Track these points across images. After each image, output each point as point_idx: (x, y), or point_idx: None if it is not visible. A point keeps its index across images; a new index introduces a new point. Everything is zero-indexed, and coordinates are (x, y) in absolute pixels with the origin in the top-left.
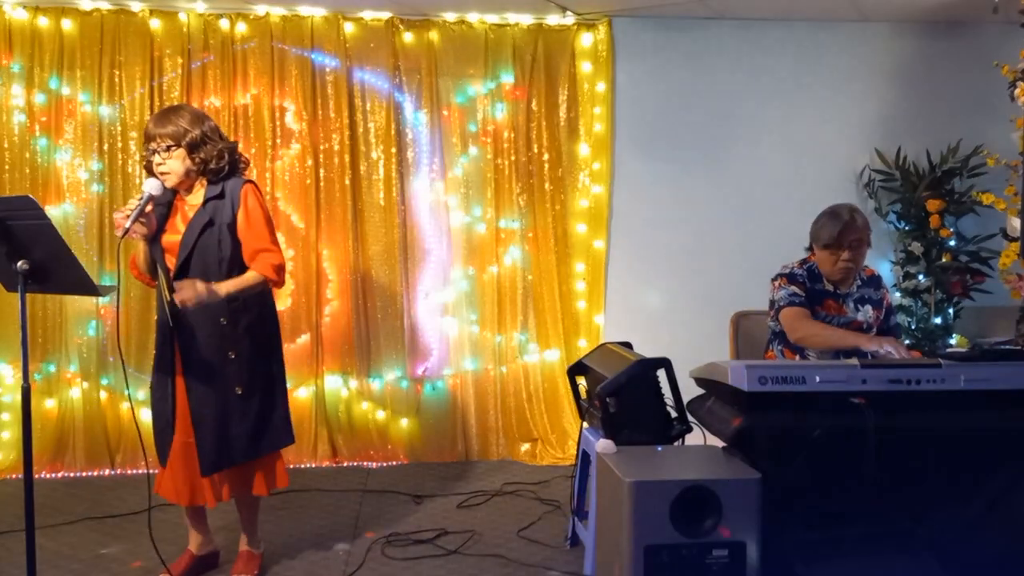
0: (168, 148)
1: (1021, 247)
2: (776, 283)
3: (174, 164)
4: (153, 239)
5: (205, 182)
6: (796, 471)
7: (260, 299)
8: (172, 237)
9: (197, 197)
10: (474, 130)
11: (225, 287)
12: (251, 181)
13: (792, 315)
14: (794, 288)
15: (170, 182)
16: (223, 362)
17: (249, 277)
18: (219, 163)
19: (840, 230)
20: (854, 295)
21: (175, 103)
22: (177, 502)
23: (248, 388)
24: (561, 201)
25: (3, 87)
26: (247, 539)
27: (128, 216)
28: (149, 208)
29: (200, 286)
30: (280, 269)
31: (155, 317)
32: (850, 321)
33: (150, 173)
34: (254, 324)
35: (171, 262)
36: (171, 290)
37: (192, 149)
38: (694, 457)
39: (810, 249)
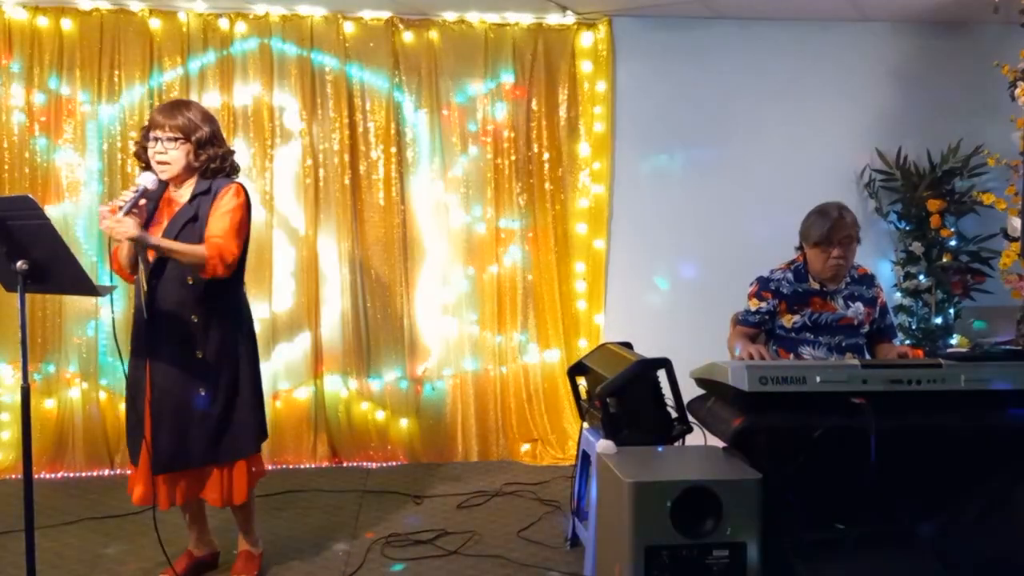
0: (175, 139)
1: (1022, 247)
2: (750, 289)
3: (176, 155)
4: None
5: (195, 179)
6: (796, 471)
7: (234, 302)
8: (156, 231)
9: (185, 193)
10: (474, 130)
11: (162, 240)
12: (239, 182)
13: (732, 333)
14: (756, 303)
15: (167, 173)
16: (190, 361)
17: (192, 247)
18: (221, 165)
19: (830, 227)
20: (843, 292)
21: None
22: (137, 502)
23: (212, 390)
24: (561, 201)
25: (3, 87)
26: (245, 539)
27: (120, 208)
28: (143, 202)
29: (131, 222)
30: (223, 256)
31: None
32: (840, 317)
33: (140, 161)
34: (226, 326)
35: (152, 256)
36: (151, 285)
37: (200, 146)
38: (694, 457)
39: (800, 248)
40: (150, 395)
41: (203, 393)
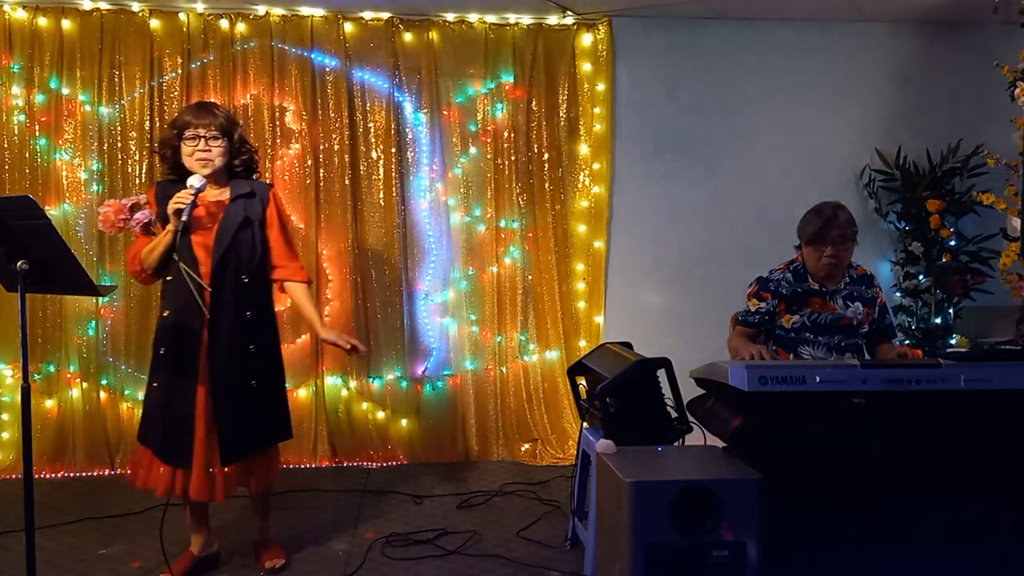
0: (217, 137)
1: (1021, 247)
2: (750, 289)
3: (218, 152)
4: (181, 233)
5: (226, 179)
6: (796, 471)
7: (271, 296)
8: (205, 233)
9: (220, 193)
10: (474, 130)
11: (321, 327)
12: (271, 184)
13: (732, 333)
14: (756, 303)
15: (209, 170)
16: (245, 355)
17: (311, 302)
18: (253, 164)
19: (822, 225)
20: (842, 292)
21: (176, 103)
22: (198, 498)
23: (262, 381)
24: (561, 201)
25: (3, 87)
26: (267, 528)
27: (179, 211)
28: (199, 202)
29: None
30: (306, 271)
31: (161, 314)
32: (839, 317)
33: (165, 163)
34: (268, 319)
35: (201, 255)
36: (200, 282)
37: (240, 144)
38: (694, 457)
39: (799, 248)
40: (210, 393)
41: (255, 384)
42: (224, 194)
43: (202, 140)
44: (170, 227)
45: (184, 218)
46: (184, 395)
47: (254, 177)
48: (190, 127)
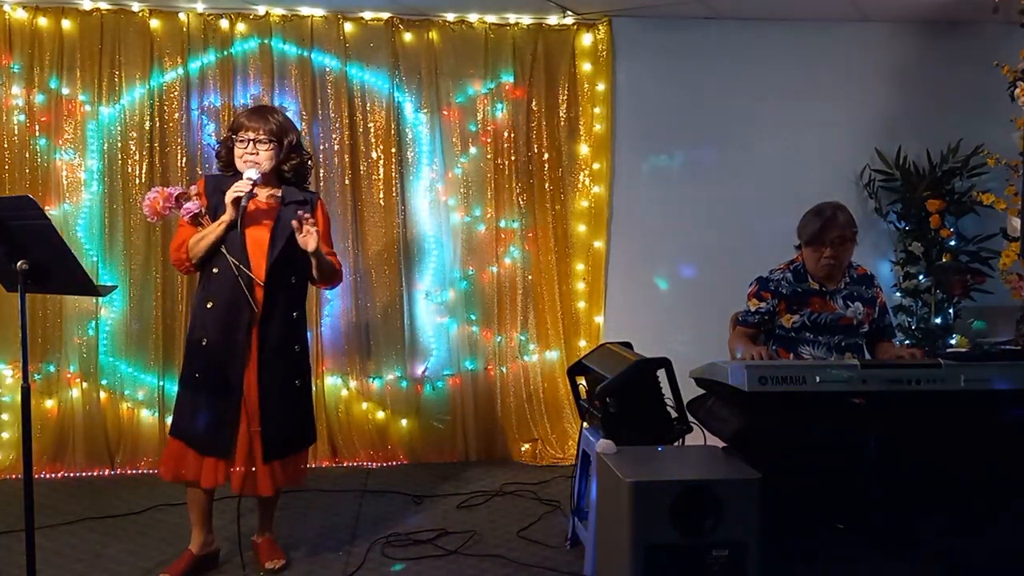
0: (268, 142)
1: (1021, 247)
2: (750, 289)
3: (266, 156)
4: (232, 227)
5: (277, 182)
6: (796, 471)
7: (304, 300)
8: (257, 229)
9: (272, 194)
10: (474, 130)
11: (321, 255)
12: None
13: (732, 333)
14: (756, 303)
15: (257, 173)
16: (290, 354)
17: (333, 260)
18: (305, 171)
19: (821, 226)
20: (842, 292)
21: (176, 103)
22: (241, 492)
23: (303, 381)
24: (561, 201)
25: (3, 87)
26: (269, 527)
27: (238, 200)
28: (256, 192)
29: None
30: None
31: (204, 305)
32: (839, 317)
33: (220, 160)
34: (306, 323)
35: (252, 251)
36: (250, 279)
37: (291, 150)
38: (694, 457)
39: (799, 248)
40: (258, 389)
41: (298, 383)
42: (276, 195)
43: (251, 143)
44: (226, 216)
45: (244, 203)
46: (230, 387)
47: (306, 185)
48: (243, 129)
